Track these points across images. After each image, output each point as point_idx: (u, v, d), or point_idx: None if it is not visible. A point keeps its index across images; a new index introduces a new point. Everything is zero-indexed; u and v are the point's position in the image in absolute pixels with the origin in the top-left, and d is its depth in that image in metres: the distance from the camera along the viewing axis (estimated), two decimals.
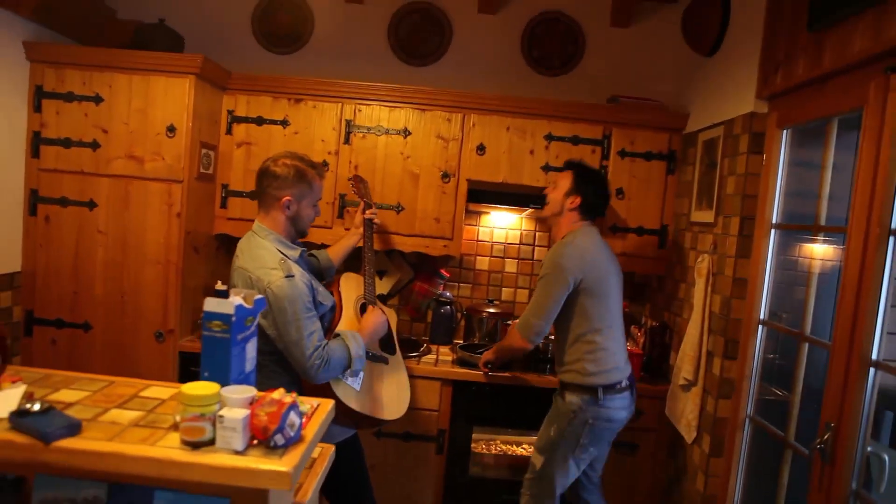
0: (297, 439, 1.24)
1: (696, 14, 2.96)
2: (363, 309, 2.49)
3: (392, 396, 2.45)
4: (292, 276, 2.05)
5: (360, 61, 3.38)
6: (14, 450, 1.20)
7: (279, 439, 1.19)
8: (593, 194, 2.56)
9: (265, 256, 2.09)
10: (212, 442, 1.21)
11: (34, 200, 2.90)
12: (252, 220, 3.07)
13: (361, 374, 2.27)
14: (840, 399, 1.82)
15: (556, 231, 2.61)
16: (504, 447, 3.21)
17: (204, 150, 2.97)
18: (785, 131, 2.31)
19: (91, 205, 2.88)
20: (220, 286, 1.36)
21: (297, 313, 2.01)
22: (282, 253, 2.13)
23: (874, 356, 1.75)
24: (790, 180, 2.33)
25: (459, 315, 3.40)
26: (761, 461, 2.37)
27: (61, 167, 2.88)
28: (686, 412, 2.68)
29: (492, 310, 3.28)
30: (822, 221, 2.12)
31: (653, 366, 3.05)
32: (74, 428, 1.23)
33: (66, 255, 2.91)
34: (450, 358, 3.08)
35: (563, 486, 2.50)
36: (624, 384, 2.46)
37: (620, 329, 2.54)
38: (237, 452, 1.19)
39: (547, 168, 3.09)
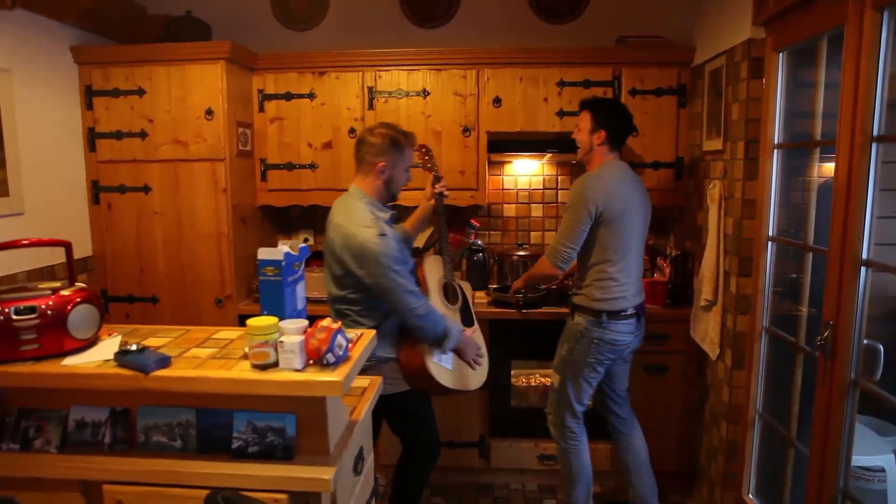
0: (345, 358, 1.49)
1: None
2: (446, 290, 2.69)
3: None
4: (385, 234, 2.25)
5: (375, 29, 3.56)
6: (121, 380, 1.49)
7: (330, 357, 1.45)
8: (615, 123, 2.66)
9: (359, 215, 2.30)
10: (276, 364, 1.47)
11: (96, 190, 3.21)
12: (291, 190, 3.37)
13: (451, 353, 2.50)
14: (837, 299, 1.98)
15: (590, 168, 2.71)
16: (542, 380, 3.45)
17: (241, 129, 3.22)
18: (781, 54, 2.41)
19: (146, 189, 3.17)
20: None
21: (393, 266, 2.22)
22: (374, 214, 2.32)
23: (864, 256, 1.90)
24: (790, 101, 2.44)
25: (492, 261, 3.61)
26: (778, 368, 2.54)
27: (116, 157, 3.17)
28: (709, 331, 2.86)
29: (522, 253, 3.49)
30: (818, 137, 2.24)
31: (677, 292, 3.21)
32: (166, 361, 1.51)
33: (130, 237, 3.22)
34: (485, 301, 3.30)
35: (580, 402, 2.71)
36: (629, 311, 2.62)
37: (636, 262, 2.67)
38: (297, 370, 1.45)
39: (561, 113, 3.24)
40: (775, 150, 2.46)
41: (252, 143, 3.36)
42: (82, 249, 3.18)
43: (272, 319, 1.48)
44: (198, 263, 3.20)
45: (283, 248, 1.57)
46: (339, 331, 1.47)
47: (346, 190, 3.29)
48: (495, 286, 3.45)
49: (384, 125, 2.45)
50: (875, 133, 1.84)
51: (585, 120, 2.69)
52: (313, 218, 3.73)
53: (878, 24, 1.81)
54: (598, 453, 3.04)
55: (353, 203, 2.37)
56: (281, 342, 1.44)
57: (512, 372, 3.24)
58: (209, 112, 3.08)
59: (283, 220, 3.74)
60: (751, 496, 2.66)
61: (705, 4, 3.01)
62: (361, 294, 2.33)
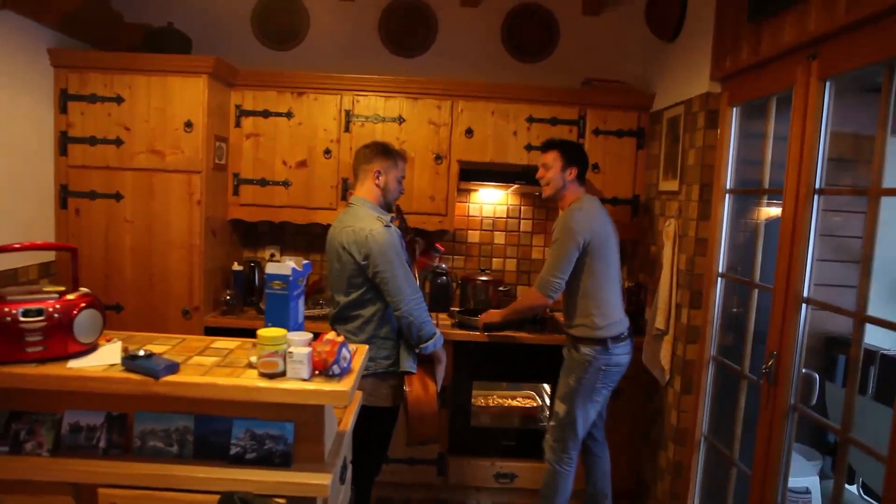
0: (348, 370, 1.58)
1: (658, 4, 3.30)
2: None
3: None
4: (389, 226, 2.49)
5: (354, 54, 3.68)
6: (131, 385, 1.54)
7: (336, 369, 1.54)
8: (583, 160, 2.90)
9: (365, 214, 2.53)
10: (283, 373, 1.55)
11: (64, 195, 3.18)
12: (262, 206, 3.43)
13: None
14: (780, 331, 2.20)
15: (563, 203, 2.90)
16: (500, 400, 3.59)
17: (217, 143, 3.27)
18: (735, 108, 2.67)
19: (118, 196, 3.17)
20: (277, 257, 1.68)
21: (396, 256, 2.43)
22: (379, 216, 2.55)
23: (805, 294, 2.13)
24: (742, 151, 2.69)
25: (455, 285, 3.74)
26: (723, 394, 2.76)
27: (88, 163, 3.15)
28: (660, 358, 3.06)
29: (484, 278, 3.64)
30: (766, 185, 2.49)
31: (631, 322, 3.41)
32: (175, 367, 1.57)
33: (97, 244, 3.19)
34: (448, 322, 3.42)
35: (585, 428, 2.86)
36: (625, 334, 2.83)
37: (619, 286, 2.88)
38: (304, 380, 1.53)
39: (529, 147, 3.43)
40: (727, 195, 2.71)
41: (227, 157, 3.40)
42: (44, 255, 3.13)
43: (281, 331, 1.56)
44: (167, 273, 3.20)
45: (290, 263, 1.66)
46: (343, 344, 1.57)
47: (319, 209, 3.43)
48: (458, 309, 3.58)
49: (376, 140, 2.77)
50: (817, 186, 2.08)
51: (554, 158, 2.87)
52: (281, 234, 3.78)
53: (822, 91, 2.06)
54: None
55: (358, 208, 2.59)
56: (290, 353, 1.52)
57: (473, 392, 3.36)
58: (188, 124, 3.11)
59: (251, 235, 3.78)
60: None
61: (667, 56, 3.28)
62: (371, 295, 2.49)
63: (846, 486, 3.18)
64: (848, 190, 2.36)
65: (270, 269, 1.66)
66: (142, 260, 3.19)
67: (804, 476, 2.95)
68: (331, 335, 1.59)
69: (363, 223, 2.48)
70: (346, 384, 1.53)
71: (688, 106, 2.95)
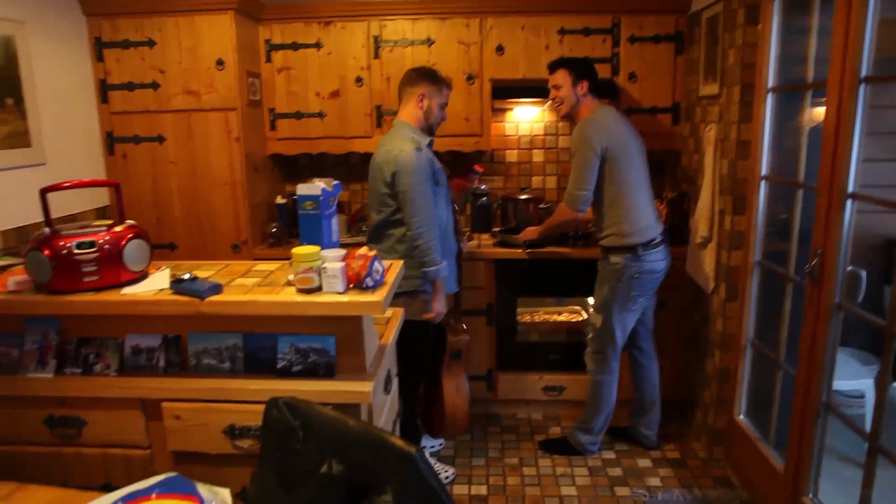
0: (381, 282, 1.65)
1: None
2: None
3: None
4: (420, 149, 2.54)
5: None
6: (178, 306, 1.64)
7: (369, 281, 1.60)
8: (591, 72, 2.85)
9: (400, 135, 2.61)
10: (319, 288, 1.62)
11: (111, 141, 3.30)
12: (299, 139, 3.49)
13: None
14: (824, 229, 2.14)
15: (580, 118, 2.86)
16: (545, 316, 3.64)
17: (250, 79, 3.30)
18: (776, 1, 2.51)
19: (160, 139, 3.26)
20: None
21: (419, 178, 2.49)
22: (413, 136, 2.61)
23: (850, 189, 2.05)
24: (784, 47, 2.56)
25: (495, 205, 3.75)
26: (768, 299, 2.73)
27: (129, 108, 3.25)
28: (704, 266, 3.03)
29: (524, 197, 3.63)
30: (810, 81, 2.37)
31: (674, 232, 3.37)
32: (219, 287, 1.66)
33: (146, 186, 3.32)
34: (490, 242, 3.46)
35: (624, 336, 2.91)
36: (658, 239, 2.81)
37: (647, 191, 2.85)
38: (339, 293, 1.60)
39: None
40: (769, 94, 2.59)
41: (261, 92, 3.44)
42: (100, 199, 3.29)
43: (315, 248, 1.63)
44: (213, 210, 3.31)
45: (320, 184, 1.71)
46: (375, 257, 1.62)
47: (355, 138, 3.47)
48: (499, 228, 3.60)
49: (423, 66, 2.84)
50: (863, 74, 1.97)
51: (564, 76, 2.84)
52: (321, 166, 3.84)
53: None
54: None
55: (397, 129, 2.65)
56: (324, 268, 1.59)
57: (517, 309, 3.42)
58: (220, 62, 3.15)
59: (292, 169, 3.85)
60: (742, 417, 2.88)
61: None
62: (401, 215, 2.57)
63: None
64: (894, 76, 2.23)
65: (301, 190, 1.71)
66: (189, 199, 3.31)
67: (858, 379, 2.92)
68: (363, 250, 1.64)
69: (396, 143, 2.55)
70: (379, 295, 1.59)
71: (727, 3, 2.80)
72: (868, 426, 2.23)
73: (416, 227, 2.50)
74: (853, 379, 2.91)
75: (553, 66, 2.89)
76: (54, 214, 1.77)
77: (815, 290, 2.20)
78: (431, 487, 1.18)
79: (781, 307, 2.60)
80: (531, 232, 3.15)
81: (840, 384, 2.91)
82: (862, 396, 2.89)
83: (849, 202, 2.07)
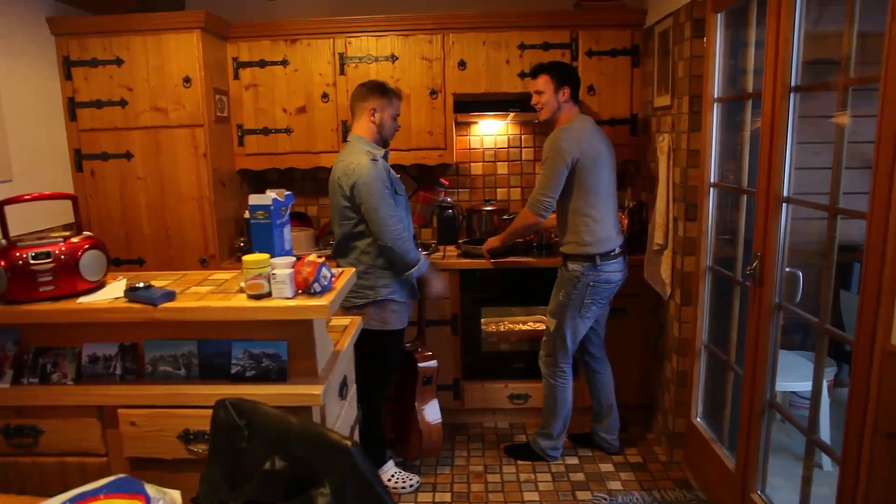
0: (329, 288, 1.70)
1: None
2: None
3: None
4: (376, 160, 2.61)
5: None
6: (132, 313, 1.69)
7: (317, 287, 1.66)
8: (573, 79, 2.91)
9: (356, 151, 2.66)
10: (269, 294, 1.68)
11: (79, 158, 3.34)
12: (267, 154, 3.55)
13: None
14: (763, 232, 2.24)
15: (558, 125, 2.93)
16: (510, 325, 3.71)
17: (217, 96, 3.36)
18: (719, 14, 2.63)
19: (128, 156, 3.31)
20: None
21: (378, 188, 2.55)
22: (369, 149, 2.67)
23: (785, 193, 2.15)
24: (728, 60, 2.67)
25: (461, 217, 3.83)
26: (719, 301, 2.82)
27: (97, 126, 3.29)
28: (661, 272, 3.12)
29: (489, 208, 3.71)
30: (750, 90, 2.48)
31: (634, 240, 3.47)
32: (171, 295, 1.71)
33: (114, 202, 3.36)
34: (455, 253, 3.53)
35: (574, 342, 2.98)
36: (616, 251, 2.90)
37: (612, 204, 2.93)
38: (288, 298, 1.66)
39: (523, 75, 3.43)
40: (715, 104, 2.70)
41: (228, 109, 3.50)
42: (67, 216, 3.31)
43: (265, 255, 1.68)
44: (181, 225, 3.36)
45: (271, 194, 1.77)
46: (323, 264, 1.68)
47: (322, 152, 3.54)
48: (465, 240, 3.68)
49: (372, 80, 2.87)
50: (793, 84, 2.08)
51: (546, 82, 2.89)
52: (289, 181, 3.90)
53: None
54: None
55: (353, 144, 2.71)
56: (273, 274, 1.65)
57: (482, 319, 3.48)
58: (187, 80, 3.21)
59: (261, 184, 3.90)
60: (699, 419, 2.96)
61: None
62: (364, 227, 2.64)
63: None
64: (820, 84, 2.35)
65: (253, 200, 1.77)
66: (157, 215, 3.35)
67: (811, 381, 3.02)
68: (312, 257, 1.70)
69: (352, 157, 2.62)
70: (326, 299, 1.65)
71: (675, 17, 2.92)
72: (821, 426, 2.32)
73: (385, 237, 2.57)
74: (807, 381, 3.01)
75: (535, 72, 2.94)
76: (21, 231, 1.81)
77: (757, 291, 2.29)
78: (367, 479, 1.23)
79: (731, 310, 2.68)
80: (493, 241, 3.21)
81: (795, 385, 3.02)
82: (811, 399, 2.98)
83: (784, 206, 2.17)
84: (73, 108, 3.29)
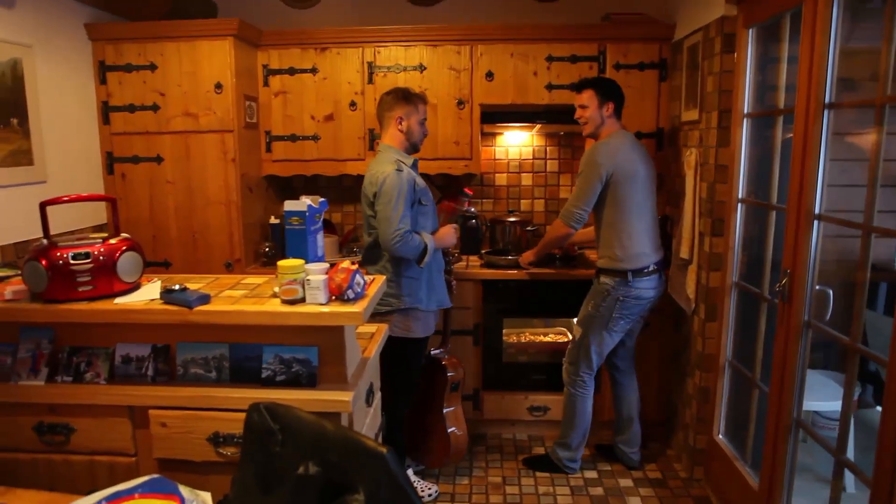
0: (362, 295, 1.72)
1: None
2: None
3: None
4: (401, 170, 2.61)
5: (372, 7, 3.74)
6: (168, 315, 1.72)
7: (350, 294, 1.67)
8: (617, 94, 2.93)
9: (384, 161, 2.68)
10: (303, 300, 1.70)
11: (110, 161, 3.40)
12: (294, 160, 3.58)
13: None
14: (793, 249, 2.22)
15: (601, 139, 2.95)
16: (531, 337, 3.71)
17: (247, 102, 3.41)
18: (750, 30, 2.63)
19: (158, 159, 3.36)
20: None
21: (396, 198, 2.55)
22: (397, 158, 2.68)
23: (817, 210, 2.14)
24: (758, 76, 2.67)
25: (484, 227, 3.84)
26: (745, 319, 2.80)
27: (129, 130, 3.35)
28: (685, 287, 3.11)
29: (513, 219, 3.72)
30: (781, 107, 2.47)
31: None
32: (207, 298, 1.74)
33: (143, 205, 3.41)
34: (478, 264, 3.53)
35: (600, 354, 2.98)
36: (651, 268, 2.89)
37: (648, 220, 2.92)
38: (321, 304, 1.67)
39: (550, 87, 3.45)
40: (745, 119, 2.69)
41: (257, 115, 3.55)
42: (99, 216, 3.37)
43: (299, 261, 1.71)
44: (208, 229, 3.40)
45: (306, 200, 1.79)
46: (356, 271, 1.70)
47: (348, 160, 3.57)
48: (488, 250, 3.68)
49: (396, 87, 2.86)
50: (827, 100, 2.07)
51: (590, 97, 2.92)
52: (315, 188, 3.93)
53: (831, 3, 2.03)
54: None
55: (382, 153, 2.74)
56: (308, 280, 1.67)
57: (504, 330, 3.48)
58: (218, 86, 3.26)
59: (287, 190, 3.94)
60: (721, 437, 2.93)
61: None
62: None
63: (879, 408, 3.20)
64: (856, 101, 2.33)
65: (288, 206, 1.80)
66: (184, 218, 3.40)
67: (837, 400, 2.98)
68: (346, 264, 1.72)
69: (379, 167, 2.64)
70: (359, 306, 1.67)
71: (705, 32, 2.92)
72: (847, 447, 2.28)
73: (384, 243, 2.57)
74: (832, 400, 2.97)
75: (580, 87, 2.96)
76: (55, 231, 1.85)
77: (786, 308, 2.27)
78: (401, 485, 1.24)
79: (757, 327, 2.66)
80: (528, 255, 3.26)
81: (819, 405, 2.98)
82: (839, 419, 2.94)
83: (815, 223, 2.15)
84: (106, 111, 3.35)
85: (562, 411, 3.11)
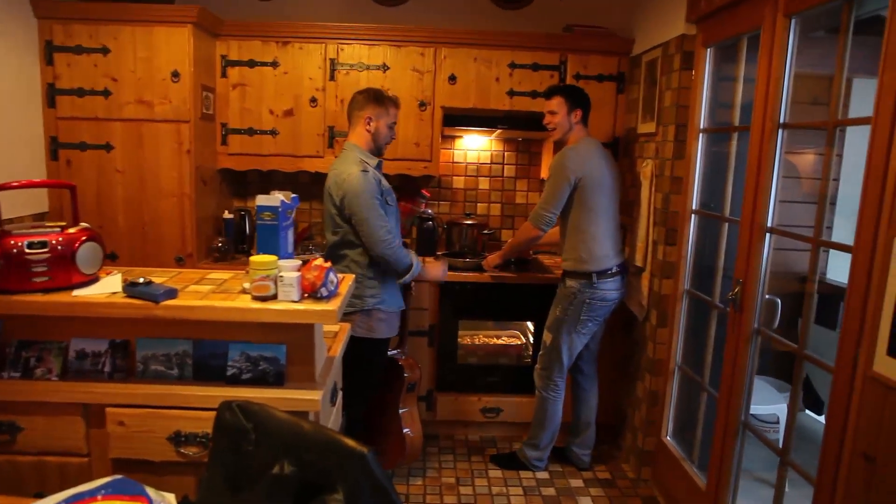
0: (335, 293, 1.70)
1: None
2: None
3: None
4: (366, 171, 2.59)
5: (337, 3, 3.70)
6: (132, 309, 1.65)
7: (324, 291, 1.65)
8: (586, 102, 3.01)
9: (349, 160, 2.65)
10: (275, 296, 1.66)
11: (55, 146, 3.23)
12: (250, 154, 3.51)
13: None
14: (746, 260, 2.33)
15: (569, 145, 3.02)
16: (485, 339, 3.74)
17: (205, 93, 3.31)
18: (709, 49, 2.74)
19: (108, 147, 3.23)
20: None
21: (368, 199, 2.55)
22: (362, 158, 2.66)
23: (769, 223, 2.25)
24: (715, 93, 2.78)
25: (441, 229, 3.85)
26: (696, 325, 2.91)
27: (77, 115, 3.20)
28: (638, 294, 3.20)
29: (469, 222, 3.75)
30: (736, 124, 2.58)
31: None
32: (174, 292, 1.68)
33: (89, 194, 3.26)
34: None
35: (570, 357, 3.04)
36: (614, 270, 2.97)
37: (612, 224, 3.00)
38: (294, 301, 1.64)
39: (511, 93, 3.49)
40: (701, 134, 2.80)
41: (214, 107, 3.45)
42: (38, 205, 3.21)
43: (272, 258, 1.67)
44: (159, 222, 3.28)
45: (279, 195, 1.76)
46: (330, 269, 1.68)
47: (306, 157, 3.52)
48: (444, 252, 3.70)
49: (370, 87, 2.85)
50: (782, 120, 2.18)
51: (559, 104, 2.98)
52: (270, 183, 3.85)
53: (787, 27, 2.14)
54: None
55: (347, 152, 2.71)
56: (281, 277, 1.64)
57: (459, 332, 3.50)
58: (175, 74, 3.16)
59: (241, 184, 3.85)
60: (669, 438, 3.03)
61: (644, 1, 3.32)
62: (353, 237, 2.63)
63: (816, 416, 3.38)
64: (809, 123, 2.47)
65: (261, 201, 1.76)
66: (134, 209, 3.27)
67: (774, 405, 3.14)
68: (318, 261, 1.70)
69: (345, 167, 2.62)
70: (333, 304, 1.65)
71: (665, 48, 3.02)
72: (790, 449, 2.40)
73: (377, 247, 2.57)
74: (769, 404, 3.13)
75: (550, 93, 3.02)
76: None
77: (737, 316, 2.38)
78: (383, 486, 1.23)
79: (706, 333, 2.77)
80: (494, 258, 3.30)
81: (757, 409, 3.12)
82: (777, 421, 3.10)
83: (767, 236, 2.26)
84: (52, 94, 3.19)
85: (533, 413, 3.16)
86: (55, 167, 3.25)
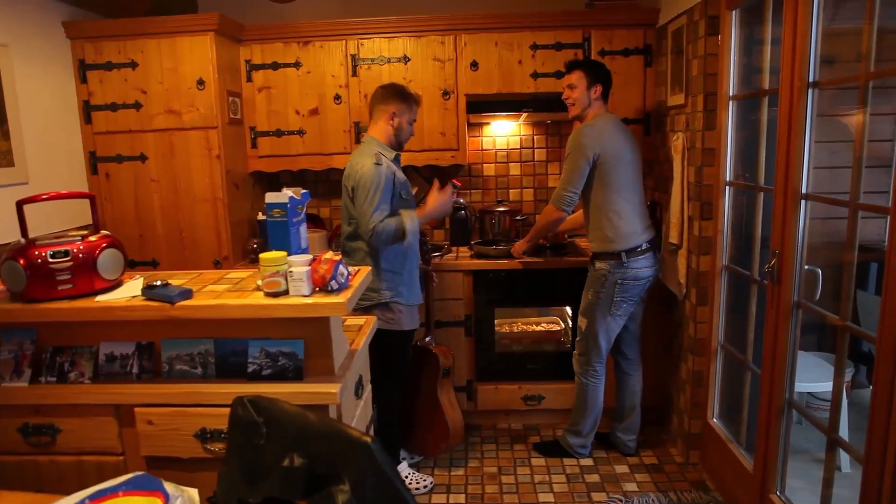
0: (346, 285, 1.70)
1: None
2: None
3: None
4: (380, 164, 2.58)
5: None
6: (150, 311, 1.69)
7: (334, 284, 1.65)
8: (606, 77, 2.92)
9: (364, 153, 2.66)
10: (286, 292, 1.68)
11: (94, 161, 3.36)
12: (280, 156, 3.56)
13: None
14: (781, 229, 2.21)
15: (587, 122, 2.94)
16: (524, 326, 3.69)
17: (231, 98, 3.38)
18: (734, 12, 2.62)
19: (142, 158, 3.33)
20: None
21: (373, 191, 2.53)
22: (379, 151, 2.66)
23: (804, 190, 2.13)
24: (743, 59, 2.65)
25: (473, 218, 3.82)
26: (736, 301, 2.79)
27: (112, 129, 3.31)
28: (676, 272, 3.10)
29: (501, 209, 3.70)
30: (765, 87, 2.46)
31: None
32: (189, 293, 1.71)
33: (128, 204, 3.38)
34: (468, 255, 3.52)
35: (608, 341, 2.97)
36: (644, 247, 2.88)
37: (637, 200, 2.91)
38: (305, 296, 1.65)
39: (535, 75, 3.43)
40: (731, 102, 2.68)
41: (241, 111, 3.52)
42: (83, 217, 3.33)
43: (282, 253, 1.69)
44: (195, 227, 3.37)
45: (288, 192, 1.77)
46: (340, 262, 1.68)
47: (334, 154, 3.55)
48: (477, 241, 3.67)
49: (394, 82, 2.87)
50: (811, 79, 2.06)
51: (579, 78, 2.90)
52: (302, 182, 3.90)
53: None
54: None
55: (365, 145, 2.73)
56: (290, 272, 1.65)
57: (496, 320, 3.47)
58: (200, 82, 3.23)
59: (274, 186, 3.91)
60: (715, 420, 2.93)
61: None
62: None
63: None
64: (840, 79, 2.32)
65: (269, 198, 1.77)
66: (170, 216, 3.37)
67: (830, 382, 2.98)
68: (329, 255, 1.70)
69: (359, 158, 2.63)
70: (343, 297, 1.65)
71: (689, 15, 2.90)
72: (840, 428, 2.29)
73: (366, 235, 2.56)
74: (825, 381, 2.98)
75: (570, 67, 2.95)
76: (37, 232, 1.82)
77: (776, 289, 2.27)
78: (386, 474, 1.22)
79: (747, 309, 2.66)
80: (521, 244, 3.25)
81: (812, 386, 2.98)
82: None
83: (802, 202, 2.14)
84: (88, 111, 3.31)
85: (574, 400, 3.10)
86: (96, 181, 3.37)
